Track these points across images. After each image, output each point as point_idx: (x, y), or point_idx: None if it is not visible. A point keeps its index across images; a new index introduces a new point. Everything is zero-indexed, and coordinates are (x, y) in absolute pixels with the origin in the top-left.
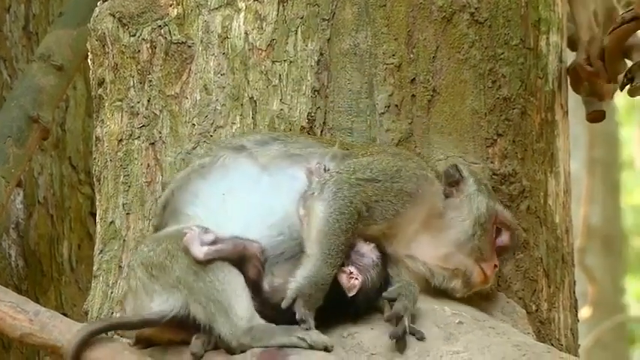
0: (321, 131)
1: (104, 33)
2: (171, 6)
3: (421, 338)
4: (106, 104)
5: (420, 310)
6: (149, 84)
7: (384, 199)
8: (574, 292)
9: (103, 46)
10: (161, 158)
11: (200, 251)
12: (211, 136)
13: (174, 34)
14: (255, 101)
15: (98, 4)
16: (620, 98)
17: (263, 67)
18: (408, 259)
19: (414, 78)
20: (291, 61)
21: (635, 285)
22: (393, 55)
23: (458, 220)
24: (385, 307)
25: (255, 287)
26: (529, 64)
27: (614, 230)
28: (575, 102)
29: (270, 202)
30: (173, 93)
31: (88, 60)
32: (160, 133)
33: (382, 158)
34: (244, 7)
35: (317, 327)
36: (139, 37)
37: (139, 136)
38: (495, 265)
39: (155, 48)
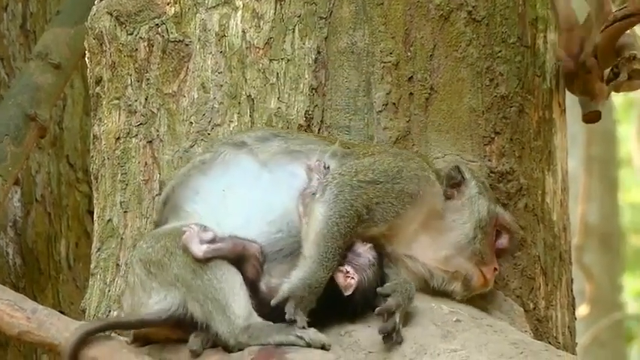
0: (319, 129)
1: (102, 31)
2: (168, 4)
3: (399, 342)
4: (104, 102)
5: (417, 307)
6: (146, 82)
7: (385, 201)
8: (571, 290)
9: (101, 44)
10: (159, 156)
11: (199, 249)
12: (209, 134)
13: (172, 33)
14: (252, 99)
15: (95, 2)
16: (618, 96)
17: (260, 65)
18: (407, 259)
19: (412, 76)
20: (288, 60)
21: (632, 283)
22: (391, 54)
23: (459, 223)
24: (380, 303)
25: (252, 287)
26: (526, 62)
27: (612, 228)
28: (572, 100)
29: (269, 199)
30: (171, 91)
31: (86, 58)
32: (158, 131)
33: (383, 159)
34: (242, 6)
35: (314, 325)
36: (136, 35)
37: (136, 135)
38: (495, 269)
39: (152, 46)
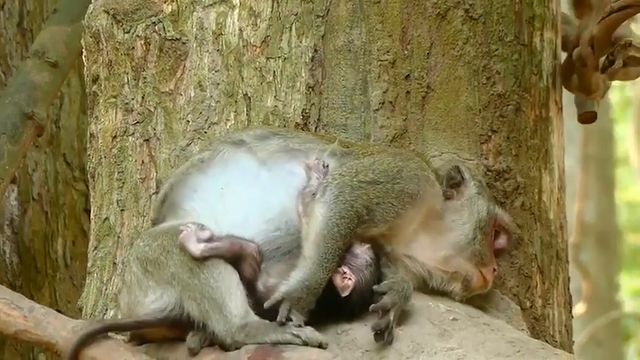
0: (316, 128)
1: (98, 30)
2: (165, 3)
3: (390, 341)
4: (101, 101)
5: (414, 306)
6: (143, 81)
7: (386, 201)
8: (568, 289)
9: (98, 42)
10: (155, 155)
11: (197, 248)
12: (205, 132)
13: (169, 31)
14: (249, 98)
15: (92, 0)
16: (615, 95)
17: (257, 63)
18: (406, 259)
19: (409, 74)
20: (285, 58)
21: (629, 281)
22: (388, 52)
23: (458, 223)
24: (377, 302)
25: (249, 287)
26: (523, 61)
27: (609, 227)
28: (569, 98)
29: (268, 198)
30: (167, 90)
31: (83, 57)
32: (155, 129)
33: (383, 159)
34: (238, 4)
35: (311, 325)
36: (133, 33)
37: (133, 133)
38: (494, 269)
39: (149, 45)
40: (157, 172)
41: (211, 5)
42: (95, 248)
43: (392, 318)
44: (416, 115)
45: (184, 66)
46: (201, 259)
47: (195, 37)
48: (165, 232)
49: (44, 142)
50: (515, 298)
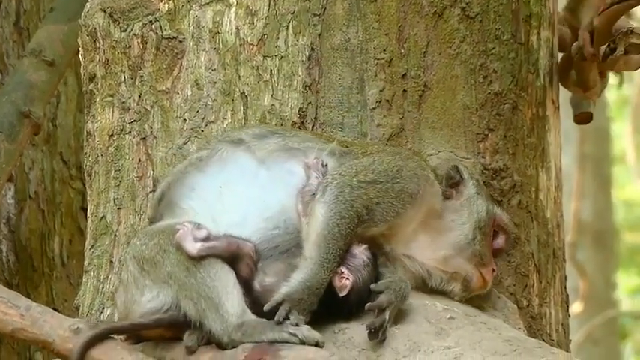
0: (312, 126)
1: (95, 28)
2: (162, 1)
3: (383, 340)
4: (97, 99)
5: (410, 304)
6: (140, 79)
7: (386, 201)
8: (565, 287)
9: (94, 41)
10: (152, 153)
11: (193, 247)
12: (202, 131)
13: (166, 30)
14: (246, 96)
15: None
16: (611, 93)
17: (254, 62)
18: (405, 259)
19: (405, 73)
20: (282, 57)
21: (626, 280)
22: (384, 51)
23: (458, 223)
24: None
25: (246, 286)
26: (520, 59)
27: (606, 225)
28: (566, 97)
29: (266, 197)
30: (164, 88)
31: (79, 55)
32: (151, 128)
33: (383, 158)
34: (235, 3)
35: (308, 323)
36: (130, 32)
37: (130, 132)
38: (493, 270)
39: (146, 43)
40: (153, 171)
41: (208, 4)
42: (92, 247)
43: (387, 317)
44: (413, 114)
45: (181, 64)
46: (198, 259)
47: (192, 36)
48: (161, 231)
49: (41, 140)
50: (512, 296)
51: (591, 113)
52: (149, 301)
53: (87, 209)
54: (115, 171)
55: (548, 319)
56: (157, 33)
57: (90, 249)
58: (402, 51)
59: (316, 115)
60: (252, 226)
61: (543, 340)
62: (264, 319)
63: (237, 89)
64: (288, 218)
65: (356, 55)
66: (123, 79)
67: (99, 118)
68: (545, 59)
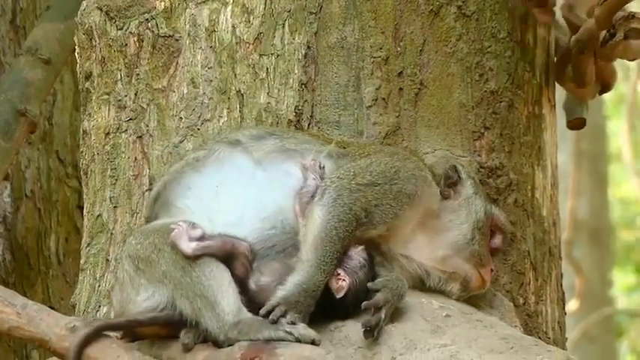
0: (309, 124)
1: (91, 26)
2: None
3: (377, 338)
4: (94, 98)
5: (407, 302)
6: (136, 77)
7: (384, 203)
8: (561, 285)
9: (91, 39)
10: (148, 151)
11: (188, 247)
12: (198, 129)
13: (162, 28)
14: (242, 94)
15: None
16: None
17: (250, 60)
18: (403, 259)
19: (402, 71)
20: (278, 55)
21: (622, 278)
22: (381, 49)
23: (456, 223)
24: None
25: (241, 285)
26: (516, 58)
27: (602, 223)
28: (562, 95)
29: (263, 197)
30: (160, 86)
31: (75, 53)
32: (147, 126)
33: (380, 159)
34: (231, 1)
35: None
36: (126, 30)
37: (126, 130)
38: (492, 270)
39: (142, 41)
40: (149, 169)
41: (204, 2)
42: (88, 245)
43: (383, 316)
44: (409, 112)
45: (177, 63)
46: (193, 258)
47: (188, 34)
48: (157, 231)
49: (37, 139)
50: (508, 294)
51: (584, 119)
52: (145, 300)
53: (83, 207)
54: (111, 169)
55: (544, 317)
56: (153, 31)
57: (86, 247)
58: (398, 49)
59: (312, 113)
60: (248, 226)
61: (539, 337)
62: (260, 318)
63: (234, 87)
64: (285, 218)
65: (352, 53)
66: (119, 77)
67: (95, 117)
68: (542, 58)
